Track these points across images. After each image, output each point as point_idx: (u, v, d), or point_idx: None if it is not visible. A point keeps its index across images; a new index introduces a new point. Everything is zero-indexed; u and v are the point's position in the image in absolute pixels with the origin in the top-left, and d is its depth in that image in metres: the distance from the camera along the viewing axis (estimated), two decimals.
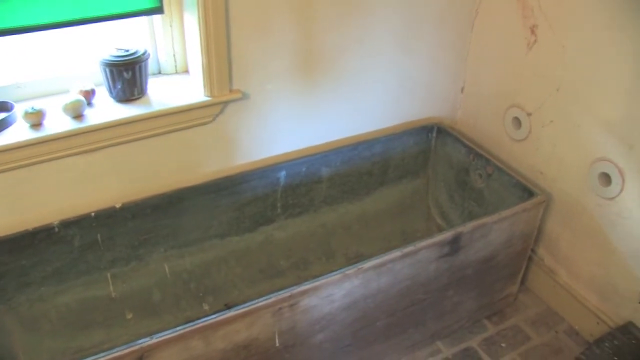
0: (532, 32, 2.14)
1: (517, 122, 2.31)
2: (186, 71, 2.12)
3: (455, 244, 1.90)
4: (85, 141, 1.87)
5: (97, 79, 1.99)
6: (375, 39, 2.22)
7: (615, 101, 1.90)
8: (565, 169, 2.15)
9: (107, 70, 1.90)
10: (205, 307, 2.20)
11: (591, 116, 2.00)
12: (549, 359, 2.14)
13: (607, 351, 1.90)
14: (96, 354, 1.45)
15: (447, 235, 1.87)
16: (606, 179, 1.99)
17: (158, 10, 1.89)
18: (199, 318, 1.56)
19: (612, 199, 1.99)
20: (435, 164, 2.58)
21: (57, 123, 1.83)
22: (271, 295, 1.62)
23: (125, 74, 1.90)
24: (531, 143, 2.28)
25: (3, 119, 1.79)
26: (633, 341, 1.94)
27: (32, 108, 1.80)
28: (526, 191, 2.13)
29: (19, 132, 1.79)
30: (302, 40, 2.06)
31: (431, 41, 2.36)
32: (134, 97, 1.96)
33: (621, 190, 1.95)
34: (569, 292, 2.24)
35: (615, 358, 1.87)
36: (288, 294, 1.63)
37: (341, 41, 2.15)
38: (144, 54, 1.94)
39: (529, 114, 2.25)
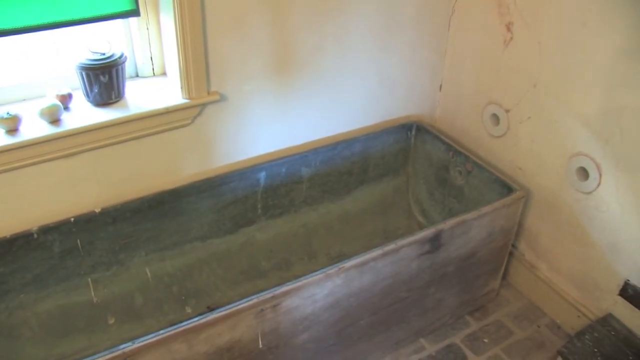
0: (508, 29, 2.15)
1: (496, 118, 2.33)
2: (164, 74, 2.11)
3: (436, 241, 1.91)
4: (63, 146, 1.85)
5: (74, 83, 1.97)
6: (353, 37, 2.22)
7: (591, 96, 1.93)
8: (544, 164, 2.17)
9: (84, 74, 1.89)
10: (188, 310, 2.19)
11: (568, 111, 2.02)
12: (532, 353, 2.16)
13: (587, 343, 1.92)
14: None
15: (427, 232, 1.88)
16: (584, 173, 2.02)
17: (134, 12, 1.88)
18: (182, 321, 1.55)
19: (589, 193, 2.01)
20: (415, 161, 2.59)
21: (34, 128, 1.81)
22: (253, 296, 1.61)
23: (102, 78, 1.89)
24: (510, 139, 2.29)
25: None
26: (612, 333, 1.97)
27: (7, 113, 1.78)
28: (505, 187, 2.14)
29: None
30: (279, 39, 2.06)
31: (409, 39, 2.37)
32: (111, 101, 1.95)
33: (598, 185, 1.97)
34: (550, 286, 2.26)
35: (596, 350, 1.90)
36: (270, 295, 1.62)
37: (318, 40, 2.15)
38: (120, 57, 1.93)
39: (507, 111, 2.27)
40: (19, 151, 1.78)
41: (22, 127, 1.81)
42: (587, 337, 1.95)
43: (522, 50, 2.13)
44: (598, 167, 1.96)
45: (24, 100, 1.96)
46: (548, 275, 2.28)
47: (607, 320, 2.02)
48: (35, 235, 1.91)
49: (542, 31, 2.03)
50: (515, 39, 2.14)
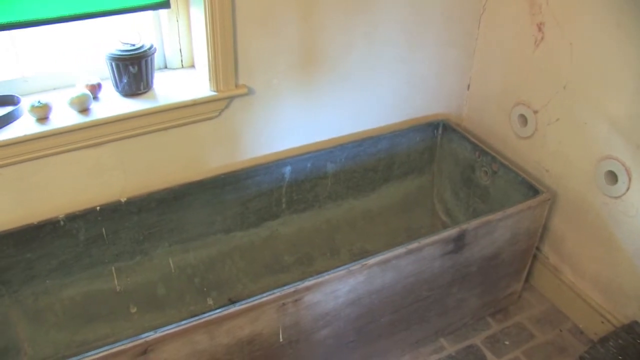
0: (540, 29, 2.13)
1: (523, 119, 2.31)
2: (192, 66, 2.12)
3: (459, 241, 1.90)
4: (91, 135, 1.87)
5: (104, 73, 1.99)
6: (382, 34, 2.21)
7: (622, 99, 1.90)
8: (572, 167, 2.14)
9: (114, 64, 1.90)
10: (210, 301, 2.21)
11: (598, 114, 1.99)
12: (553, 358, 2.14)
13: (611, 350, 1.89)
14: (100, 347, 1.45)
15: (451, 232, 1.86)
16: (612, 177, 1.99)
17: (164, 5, 1.89)
18: (203, 312, 1.57)
19: (618, 197, 1.98)
20: (441, 160, 2.57)
21: (63, 117, 1.83)
22: (275, 290, 1.62)
23: (131, 69, 1.90)
24: (537, 140, 2.27)
25: (9, 113, 1.79)
26: (638, 341, 1.93)
27: (39, 102, 1.81)
28: (531, 189, 2.12)
29: (25, 125, 1.79)
30: (308, 35, 2.06)
31: (438, 38, 2.35)
32: (139, 92, 1.96)
33: (627, 189, 1.94)
34: (574, 290, 2.24)
35: (620, 357, 1.87)
36: (292, 289, 1.63)
37: (348, 37, 2.14)
38: (150, 48, 1.94)
39: (535, 112, 2.24)
40: (48, 139, 1.80)
41: (52, 116, 1.83)
42: (611, 343, 1.92)
43: (553, 50, 2.10)
44: (628, 171, 1.93)
45: (55, 89, 1.99)
46: (572, 279, 2.26)
47: (632, 328, 1.98)
48: (62, 223, 1.93)
49: (575, 32, 2.00)
50: (547, 39, 2.11)
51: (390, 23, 2.20)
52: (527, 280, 2.38)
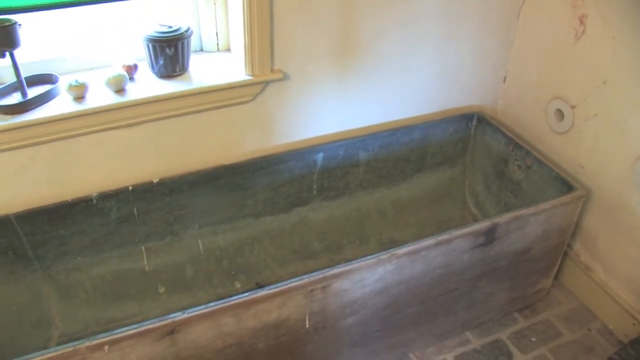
0: (581, 22, 2.08)
1: (560, 114, 2.27)
2: (228, 49, 2.13)
3: (490, 235, 1.88)
4: (126, 115, 1.89)
5: (140, 54, 2.00)
6: (419, 23, 2.19)
7: None
8: (608, 164, 2.10)
9: (150, 45, 1.91)
10: (237, 285, 2.22)
11: (638, 111, 1.94)
12: (580, 357, 2.11)
13: None
14: (129, 325, 1.47)
15: (483, 225, 1.85)
16: None
17: None
18: (230, 295, 1.57)
19: None
20: (474, 153, 2.55)
21: (99, 97, 1.85)
22: (304, 276, 1.62)
23: (167, 50, 1.91)
24: (573, 136, 2.23)
25: (47, 91, 1.82)
26: None
27: (76, 81, 1.83)
28: (565, 185, 2.09)
29: (62, 104, 1.81)
30: (346, 22, 2.04)
31: (476, 28, 2.32)
32: (175, 74, 1.97)
33: None
34: (605, 290, 2.20)
35: None
36: (321, 276, 1.63)
37: (385, 25, 2.12)
38: (187, 31, 1.95)
39: (572, 107, 2.20)
40: (84, 118, 1.82)
41: (89, 95, 1.86)
42: None
43: (594, 44, 2.06)
44: None
45: (92, 69, 2.01)
46: (603, 279, 2.22)
47: None
48: (95, 201, 1.96)
49: (618, 25, 1.95)
50: (588, 32, 2.07)
51: (428, 12, 2.18)
52: (556, 277, 2.35)
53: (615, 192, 2.09)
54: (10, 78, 1.85)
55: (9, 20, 1.68)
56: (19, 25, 1.70)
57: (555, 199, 1.98)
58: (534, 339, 2.17)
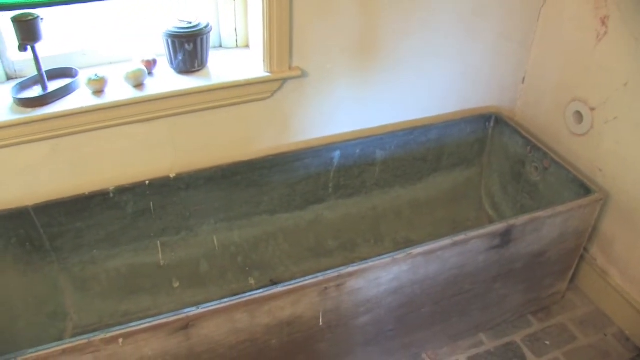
0: (603, 23, 2.06)
1: (579, 116, 2.25)
2: (247, 46, 2.13)
3: (506, 236, 1.87)
4: (144, 110, 1.90)
5: (159, 49, 2.01)
6: (439, 23, 2.18)
7: None
8: (627, 168, 2.08)
9: (170, 41, 1.92)
10: (251, 281, 2.23)
11: None
12: None
13: None
14: (143, 318, 1.48)
15: (499, 226, 1.83)
16: None
17: None
18: (244, 291, 1.58)
19: None
20: (491, 154, 2.53)
21: (118, 91, 1.86)
22: (319, 274, 1.62)
23: (186, 46, 1.92)
24: (592, 139, 2.21)
25: (67, 85, 1.83)
26: None
27: (95, 75, 1.84)
28: (583, 188, 2.07)
29: (81, 98, 1.83)
30: (366, 21, 2.04)
31: (496, 29, 2.30)
32: (194, 69, 1.98)
33: None
34: (621, 295, 2.18)
35: None
36: (336, 274, 1.63)
37: (404, 24, 2.11)
38: (206, 26, 1.95)
39: (592, 109, 2.18)
40: (103, 112, 1.84)
41: (108, 89, 1.87)
42: None
43: (616, 46, 2.03)
44: None
45: (111, 63, 2.02)
46: (620, 283, 2.20)
47: None
48: (112, 195, 1.97)
49: None
50: (610, 33, 2.04)
51: (448, 12, 2.17)
52: (572, 280, 2.33)
53: (634, 196, 2.07)
54: (32, 71, 1.87)
55: (31, 14, 1.69)
56: (41, 19, 1.71)
57: (572, 201, 1.97)
58: (548, 343, 2.15)
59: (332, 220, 2.37)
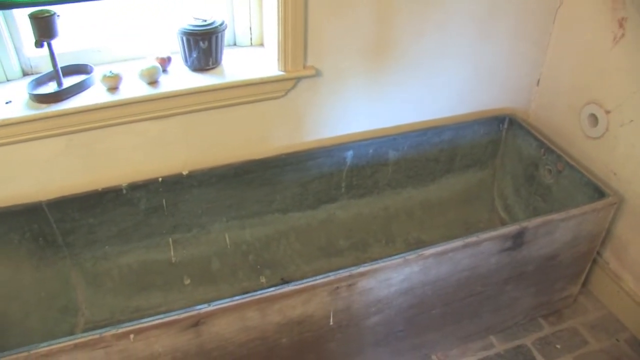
0: (621, 25, 2.04)
1: (594, 119, 2.23)
2: (261, 44, 2.13)
3: (519, 239, 1.86)
4: (158, 107, 1.90)
5: (174, 47, 2.02)
6: (454, 25, 2.17)
7: None
8: None
9: (184, 39, 1.93)
10: (262, 279, 2.23)
11: None
12: None
13: None
14: (154, 315, 1.49)
15: (511, 229, 1.83)
16: None
17: None
18: (255, 290, 1.58)
19: None
20: (504, 155, 2.52)
21: (133, 88, 1.87)
22: (330, 273, 1.62)
23: (201, 44, 1.92)
24: (607, 142, 2.19)
25: (82, 81, 1.84)
26: None
27: (110, 72, 1.85)
28: (597, 191, 2.05)
29: (96, 94, 1.84)
30: (381, 21, 2.03)
31: (511, 30, 2.29)
32: (208, 67, 1.98)
33: None
34: (635, 300, 2.16)
35: None
36: (347, 274, 1.62)
37: (419, 25, 2.11)
38: (221, 24, 1.95)
39: (607, 112, 2.17)
40: (117, 109, 1.84)
41: (122, 86, 1.88)
42: None
43: (633, 48, 2.02)
44: None
45: (126, 60, 2.03)
46: (633, 288, 2.18)
47: None
48: (124, 191, 1.98)
49: None
50: (627, 36, 2.03)
51: (464, 13, 2.16)
52: (584, 284, 2.31)
53: None
54: (47, 67, 1.88)
55: (48, 11, 1.70)
56: (57, 16, 1.72)
57: (586, 204, 1.95)
58: (558, 346, 2.14)
59: (344, 220, 2.37)
